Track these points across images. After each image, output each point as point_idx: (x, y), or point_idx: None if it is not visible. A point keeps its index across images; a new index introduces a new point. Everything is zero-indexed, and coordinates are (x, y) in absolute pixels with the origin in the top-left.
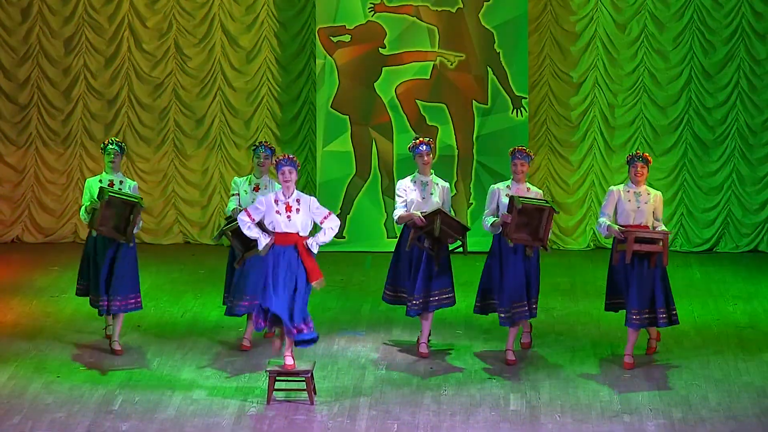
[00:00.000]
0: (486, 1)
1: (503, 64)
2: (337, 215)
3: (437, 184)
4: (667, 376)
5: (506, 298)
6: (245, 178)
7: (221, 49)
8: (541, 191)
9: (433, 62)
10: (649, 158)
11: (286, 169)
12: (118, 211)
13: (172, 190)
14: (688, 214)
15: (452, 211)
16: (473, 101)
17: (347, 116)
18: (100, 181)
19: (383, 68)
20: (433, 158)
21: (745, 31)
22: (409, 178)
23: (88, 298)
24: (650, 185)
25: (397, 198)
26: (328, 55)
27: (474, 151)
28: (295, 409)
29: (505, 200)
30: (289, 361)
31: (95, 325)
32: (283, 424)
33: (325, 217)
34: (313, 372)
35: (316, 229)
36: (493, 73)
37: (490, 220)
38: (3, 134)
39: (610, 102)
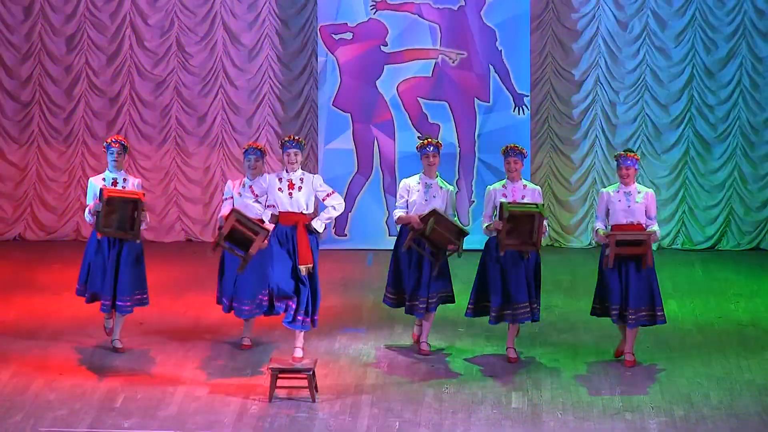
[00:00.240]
0: None
1: (505, 61)
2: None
3: (441, 187)
4: (669, 374)
5: (500, 299)
6: (238, 181)
7: (223, 47)
8: (538, 188)
9: (434, 60)
10: (636, 157)
11: (292, 151)
12: (120, 210)
13: (174, 188)
14: (690, 212)
15: (455, 214)
16: (475, 99)
17: (349, 114)
18: (103, 179)
19: (385, 66)
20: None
21: (747, 29)
22: (414, 177)
23: (86, 297)
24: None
25: (398, 197)
26: (329, 52)
27: (476, 148)
28: (297, 407)
29: (503, 200)
30: (298, 353)
31: (97, 322)
32: (284, 422)
33: (328, 195)
34: (315, 370)
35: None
36: (495, 71)
37: (487, 223)
38: (5, 132)
39: (611, 100)
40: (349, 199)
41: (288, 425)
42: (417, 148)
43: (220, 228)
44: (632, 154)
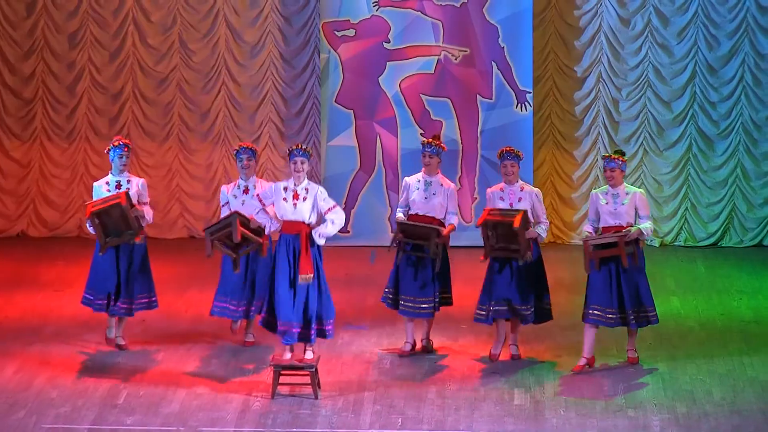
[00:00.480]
0: None
1: (507, 58)
2: (342, 209)
3: (442, 185)
4: (672, 370)
5: (492, 297)
6: (232, 184)
7: (225, 44)
8: (536, 190)
9: (437, 57)
10: (621, 158)
11: (299, 159)
12: (110, 218)
13: (177, 185)
14: (693, 209)
15: (456, 212)
16: (477, 96)
17: (351, 111)
18: (107, 183)
19: (387, 63)
20: (439, 161)
21: (749, 26)
22: (416, 175)
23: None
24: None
25: (400, 195)
26: (332, 49)
27: (478, 145)
28: (300, 403)
29: (501, 204)
30: (309, 354)
31: (100, 319)
32: (287, 418)
33: (330, 209)
34: (318, 366)
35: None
36: (498, 68)
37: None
38: (8, 129)
39: (614, 97)
40: (352, 196)
41: (290, 422)
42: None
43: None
44: (617, 155)
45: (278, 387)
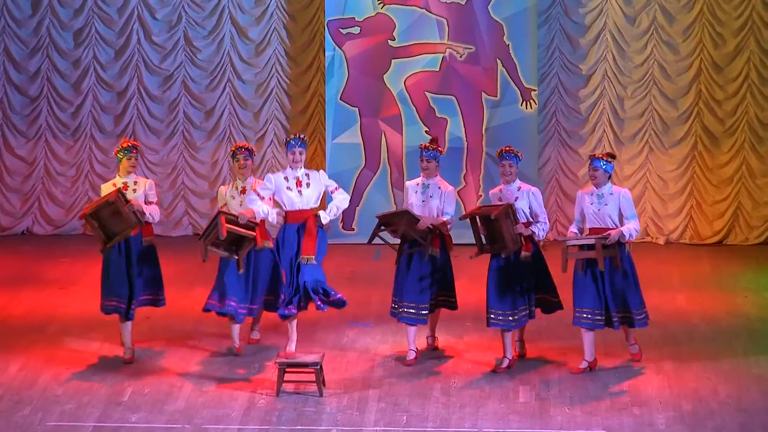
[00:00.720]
0: None
1: (512, 56)
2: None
3: (440, 188)
4: (677, 368)
5: (495, 302)
6: (230, 185)
7: (231, 42)
8: (534, 189)
9: (442, 54)
10: (605, 157)
11: (297, 150)
12: (105, 217)
13: (182, 182)
14: (698, 207)
15: (454, 213)
16: (482, 93)
17: (356, 108)
18: (114, 185)
19: (392, 60)
20: (437, 164)
21: (755, 23)
22: (416, 179)
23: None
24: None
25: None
26: (337, 47)
27: (483, 143)
28: (305, 400)
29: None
30: (293, 332)
31: (104, 316)
32: (292, 415)
33: (335, 189)
34: (323, 364)
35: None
36: (503, 65)
37: None
38: (13, 126)
39: (619, 94)
40: (357, 194)
41: (295, 419)
42: (418, 147)
43: (207, 235)
44: (602, 155)
45: (283, 384)
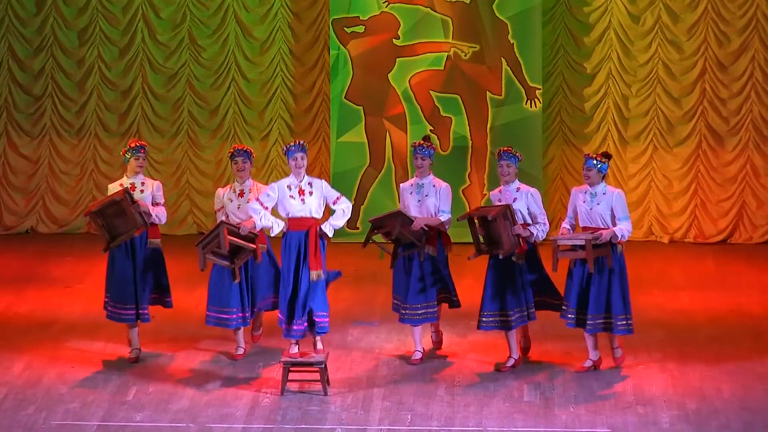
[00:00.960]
0: None
1: (517, 54)
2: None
3: (434, 186)
4: (681, 367)
5: (489, 304)
6: (227, 187)
7: (235, 40)
8: (533, 190)
9: (447, 53)
10: (598, 157)
11: (299, 155)
12: (110, 216)
13: (186, 181)
14: (702, 205)
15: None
16: (487, 92)
17: (361, 107)
18: (121, 185)
19: (397, 59)
20: (431, 162)
21: (759, 22)
22: (410, 180)
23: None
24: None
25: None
26: (342, 46)
27: (488, 142)
28: (309, 400)
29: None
30: (319, 345)
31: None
32: (296, 415)
33: (337, 198)
34: (327, 363)
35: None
36: (507, 64)
37: None
38: (17, 125)
39: (624, 93)
40: (361, 192)
41: (300, 418)
42: (412, 145)
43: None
44: (595, 155)
45: (287, 383)
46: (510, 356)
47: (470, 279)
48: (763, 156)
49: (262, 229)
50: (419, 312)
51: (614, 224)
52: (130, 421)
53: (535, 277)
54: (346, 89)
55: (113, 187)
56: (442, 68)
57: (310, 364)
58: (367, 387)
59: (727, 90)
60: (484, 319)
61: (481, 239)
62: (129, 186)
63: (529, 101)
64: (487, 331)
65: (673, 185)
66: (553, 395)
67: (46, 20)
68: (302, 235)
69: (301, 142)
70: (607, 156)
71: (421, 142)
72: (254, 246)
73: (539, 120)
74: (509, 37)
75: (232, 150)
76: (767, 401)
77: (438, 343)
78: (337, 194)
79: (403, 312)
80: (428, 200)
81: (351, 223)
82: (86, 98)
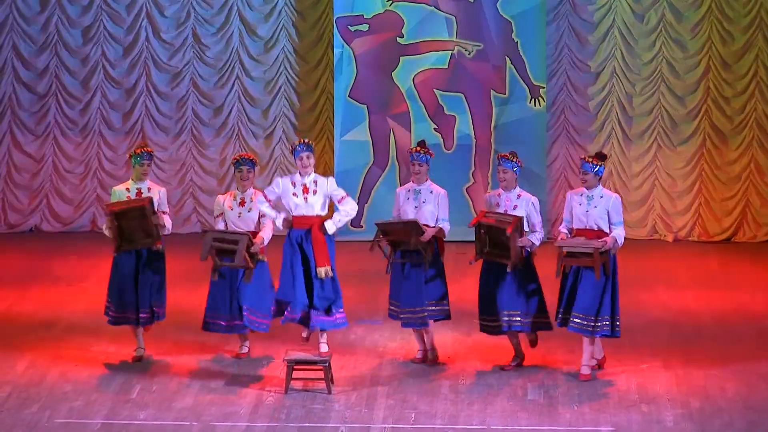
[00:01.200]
0: None
1: (521, 53)
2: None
3: (432, 192)
4: (685, 366)
5: (486, 307)
6: (228, 195)
7: (239, 39)
8: (533, 199)
9: (451, 51)
10: (593, 161)
11: (304, 155)
12: (129, 222)
13: (190, 179)
14: (706, 204)
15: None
16: (491, 91)
17: (365, 106)
18: (127, 188)
19: (401, 57)
20: (428, 168)
21: (763, 21)
22: (406, 186)
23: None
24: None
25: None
26: (345, 44)
27: (492, 140)
28: (313, 398)
29: (496, 209)
30: (323, 348)
31: None
32: (300, 413)
33: (342, 198)
34: (331, 361)
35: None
36: (511, 63)
37: None
38: (21, 124)
39: (628, 91)
40: (365, 191)
41: (304, 416)
42: (407, 151)
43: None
44: (593, 159)
45: (291, 382)
46: (515, 356)
47: (473, 279)
48: (767, 154)
49: (260, 236)
50: (421, 315)
51: (609, 228)
52: (134, 419)
53: (530, 289)
54: (350, 87)
55: (120, 190)
56: (446, 66)
57: (314, 363)
58: (371, 385)
59: (731, 88)
60: (483, 323)
61: (487, 246)
62: (135, 191)
63: (533, 99)
64: (484, 333)
65: (677, 184)
66: (557, 393)
67: (50, 18)
68: (303, 233)
69: (306, 140)
70: (603, 157)
71: (418, 148)
72: (252, 266)
73: (543, 118)
74: (513, 35)
75: (237, 157)
76: None
77: (434, 361)
78: (343, 194)
79: (404, 316)
80: (425, 207)
81: (355, 221)
82: (90, 96)
